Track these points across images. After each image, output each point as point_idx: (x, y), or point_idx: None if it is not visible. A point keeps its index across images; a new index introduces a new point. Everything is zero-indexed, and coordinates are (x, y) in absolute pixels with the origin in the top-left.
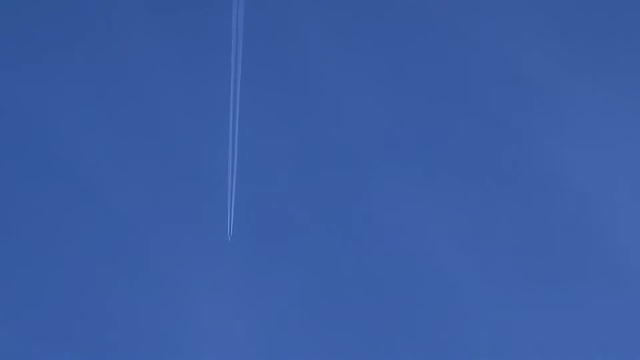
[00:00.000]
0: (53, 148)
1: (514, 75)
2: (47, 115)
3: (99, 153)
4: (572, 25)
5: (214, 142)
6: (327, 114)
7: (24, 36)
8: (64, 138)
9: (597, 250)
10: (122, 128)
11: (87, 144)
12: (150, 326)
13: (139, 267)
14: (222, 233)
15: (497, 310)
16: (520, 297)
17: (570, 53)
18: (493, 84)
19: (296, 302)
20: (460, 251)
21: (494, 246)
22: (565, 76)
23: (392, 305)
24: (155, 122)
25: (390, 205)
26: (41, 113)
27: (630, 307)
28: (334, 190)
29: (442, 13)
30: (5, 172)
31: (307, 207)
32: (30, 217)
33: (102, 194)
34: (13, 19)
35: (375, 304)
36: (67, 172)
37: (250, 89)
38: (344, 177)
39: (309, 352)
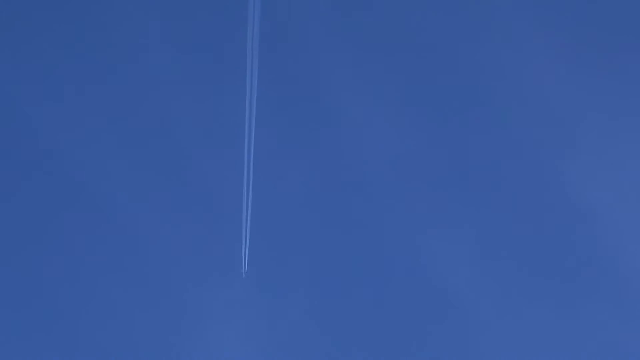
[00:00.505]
0: (65, 165)
1: (527, 92)
2: (57, 127)
3: (111, 179)
4: (585, 42)
5: (228, 169)
6: (344, 138)
7: (35, 41)
8: (77, 158)
9: (604, 266)
10: (134, 149)
11: (98, 166)
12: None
13: (151, 305)
14: (237, 268)
15: (502, 323)
16: (524, 310)
17: (583, 70)
18: (506, 101)
19: (311, 336)
20: (471, 266)
21: (503, 261)
22: (577, 93)
23: (410, 334)
24: (167, 143)
25: (409, 231)
26: (51, 123)
27: (637, 322)
28: (352, 220)
29: (457, 29)
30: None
31: (324, 239)
32: (43, 235)
33: (114, 219)
34: (29, 28)
35: (393, 336)
36: (80, 196)
37: (266, 111)
38: (362, 206)
39: None
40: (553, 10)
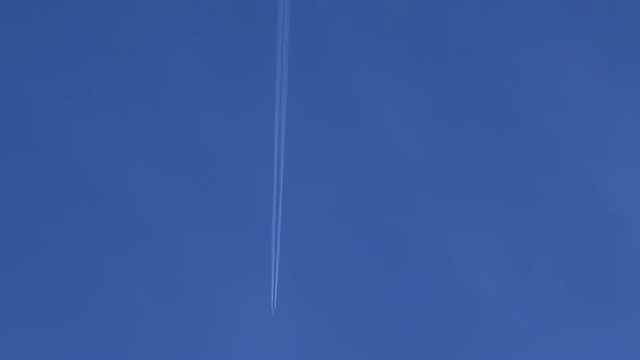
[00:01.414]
0: (89, 167)
1: (560, 98)
2: (83, 130)
3: (137, 182)
4: (621, 47)
5: (257, 175)
6: (374, 144)
7: (72, 61)
8: (100, 160)
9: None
10: (161, 152)
11: (123, 169)
12: None
13: (171, 314)
14: (266, 304)
15: (535, 333)
16: (557, 320)
17: (618, 76)
18: (540, 108)
19: (340, 348)
20: (504, 275)
21: (538, 275)
22: (612, 100)
23: (444, 347)
24: (195, 146)
25: (442, 241)
26: (84, 140)
27: None
28: (382, 228)
29: (489, 36)
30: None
31: (354, 248)
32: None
33: (139, 223)
34: (65, 49)
35: (427, 351)
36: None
37: (295, 117)
38: (394, 216)
39: None
40: (586, 15)
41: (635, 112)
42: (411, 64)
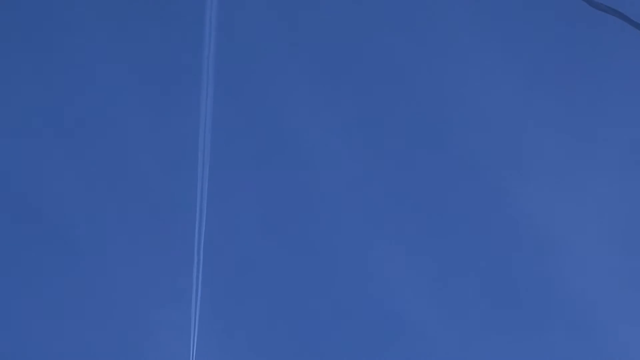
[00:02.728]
0: (16, 185)
1: (488, 118)
2: (16, 158)
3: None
4: (547, 66)
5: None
6: (301, 163)
7: None
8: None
9: (564, 298)
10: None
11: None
12: None
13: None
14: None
15: (455, 352)
16: (479, 339)
17: (544, 95)
18: (467, 128)
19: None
20: (427, 298)
21: (461, 294)
22: (535, 119)
23: None
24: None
25: (367, 260)
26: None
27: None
28: (307, 247)
29: (427, 69)
30: None
31: (279, 268)
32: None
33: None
34: None
35: None
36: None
37: (221, 138)
38: (319, 234)
39: None
40: (514, 34)
41: (563, 132)
42: (340, 81)
